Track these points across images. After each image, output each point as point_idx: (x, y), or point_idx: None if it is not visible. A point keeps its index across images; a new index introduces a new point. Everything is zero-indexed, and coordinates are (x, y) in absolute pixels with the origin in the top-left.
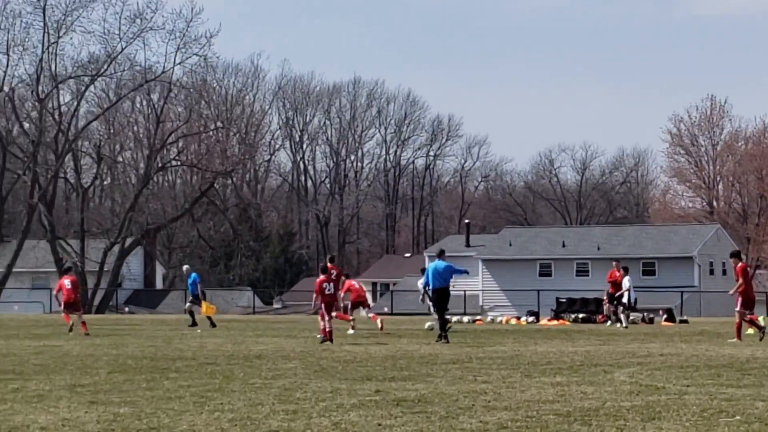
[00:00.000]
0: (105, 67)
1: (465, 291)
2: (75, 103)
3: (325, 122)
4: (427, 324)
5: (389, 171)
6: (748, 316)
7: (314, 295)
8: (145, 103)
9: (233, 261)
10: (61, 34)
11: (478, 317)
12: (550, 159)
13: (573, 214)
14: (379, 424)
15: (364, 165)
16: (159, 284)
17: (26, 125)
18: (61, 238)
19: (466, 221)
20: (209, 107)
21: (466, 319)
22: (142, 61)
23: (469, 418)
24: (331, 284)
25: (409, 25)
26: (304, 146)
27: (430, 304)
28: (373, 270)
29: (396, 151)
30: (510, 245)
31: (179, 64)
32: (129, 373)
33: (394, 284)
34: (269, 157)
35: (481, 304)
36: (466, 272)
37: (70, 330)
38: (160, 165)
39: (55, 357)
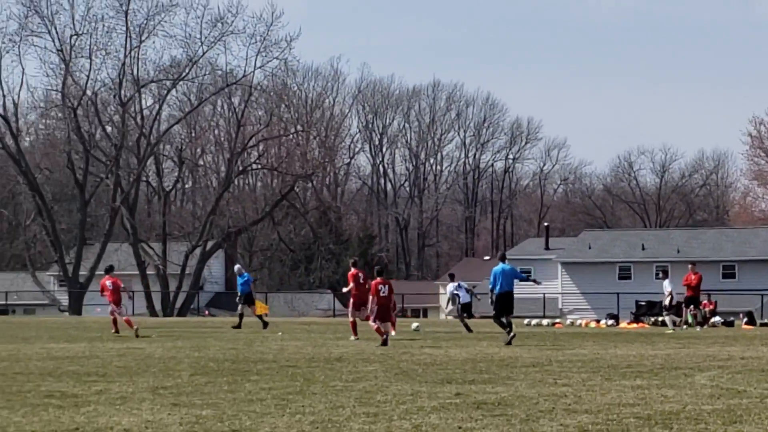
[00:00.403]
0: (186, 71)
1: (544, 294)
2: (157, 107)
3: (404, 125)
4: (414, 325)
5: (468, 174)
6: None
7: (371, 297)
8: (226, 106)
9: (313, 264)
10: (143, 39)
11: (558, 320)
12: (629, 161)
13: (652, 217)
14: (460, 427)
15: (444, 168)
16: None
17: (109, 129)
18: (143, 241)
19: (546, 224)
20: (289, 111)
21: (545, 322)
22: (223, 65)
23: (550, 421)
24: (386, 286)
25: (488, 28)
26: (384, 149)
27: (450, 309)
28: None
29: (475, 154)
30: (589, 248)
31: (260, 67)
32: (211, 376)
33: (474, 287)
34: (349, 160)
35: (560, 307)
36: (538, 282)
37: (137, 334)
38: (240, 168)
39: (138, 359)
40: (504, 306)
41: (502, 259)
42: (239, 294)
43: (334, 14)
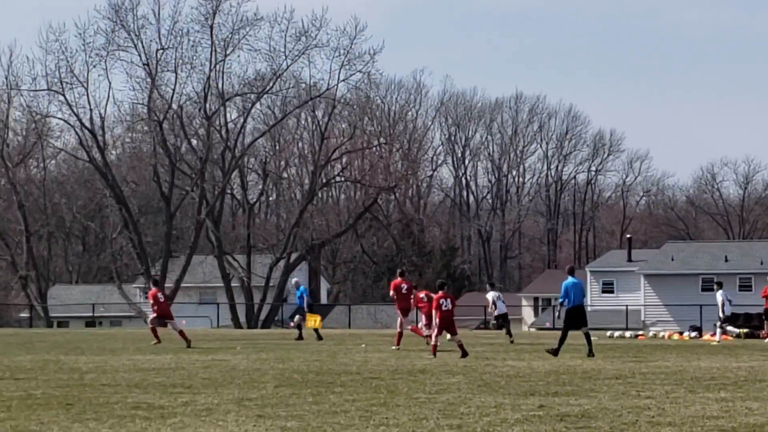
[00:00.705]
0: (271, 84)
1: (627, 306)
2: (241, 120)
3: (487, 137)
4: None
5: (551, 186)
6: None
7: (434, 312)
8: (309, 119)
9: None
10: (228, 52)
11: (641, 332)
12: (712, 173)
13: (735, 229)
14: None
15: (526, 180)
16: (324, 299)
17: (194, 142)
18: (227, 253)
19: (628, 236)
20: (372, 123)
21: (628, 334)
22: (306, 78)
23: None
24: (449, 300)
25: (571, 40)
26: (466, 162)
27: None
28: (534, 285)
29: (557, 166)
30: (672, 260)
31: (343, 80)
32: (295, 387)
33: (556, 299)
34: (431, 172)
35: (643, 319)
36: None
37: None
38: (324, 181)
39: (223, 371)
40: (576, 320)
41: (571, 272)
42: (299, 307)
43: (417, 27)
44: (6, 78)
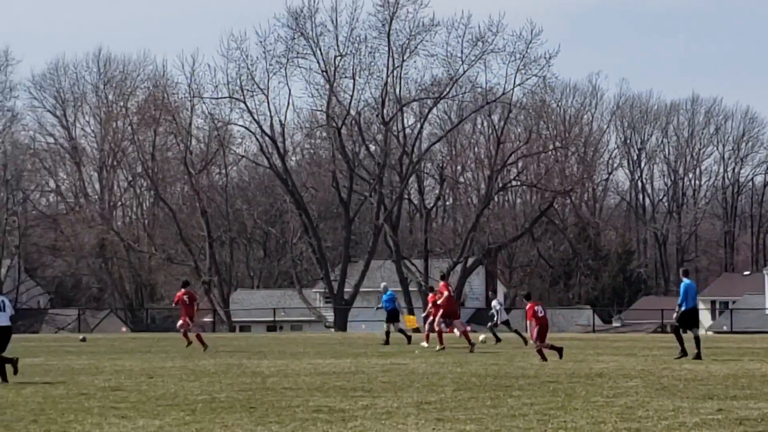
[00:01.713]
0: (447, 89)
1: None
2: (418, 126)
3: (662, 141)
4: (481, 337)
5: (727, 188)
6: None
7: (528, 321)
8: (485, 124)
9: (572, 280)
10: (405, 58)
11: None
12: None
13: None
14: None
15: (702, 183)
16: None
17: (372, 148)
18: (405, 258)
19: None
20: (548, 127)
21: None
22: (482, 82)
23: None
24: (540, 306)
25: (746, 41)
26: (642, 165)
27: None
28: (712, 288)
29: (734, 169)
30: None
31: (519, 85)
32: (473, 391)
33: (734, 302)
34: (607, 176)
35: None
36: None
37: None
38: (500, 185)
39: (402, 375)
40: (692, 321)
41: (686, 275)
42: (393, 311)
43: (593, 31)
44: (189, 86)
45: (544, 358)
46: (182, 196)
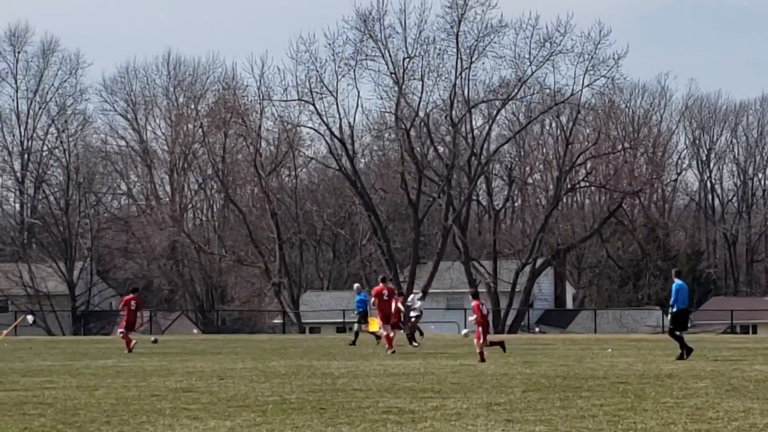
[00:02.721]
0: (515, 90)
1: None
2: (487, 127)
3: (732, 141)
4: (463, 331)
5: None
6: None
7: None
8: (554, 125)
9: (642, 281)
10: (473, 60)
11: None
12: None
13: None
14: None
15: None
16: (569, 304)
17: (440, 149)
18: (474, 259)
19: None
20: (617, 128)
21: None
22: (551, 83)
23: None
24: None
25: None
26: (711, 165)
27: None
28: None
29: None
30: None
31: (587, 86)
32: (543, 392)
33: None
34: (676, 176)
35: None
36: None
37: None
38: (569, 186)
39: (472, 376)
40: (682, 322)
41: (678, 275)
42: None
43: (661, 31)
44: (258, 89)
45: (483, 359)
46: (252, 199)
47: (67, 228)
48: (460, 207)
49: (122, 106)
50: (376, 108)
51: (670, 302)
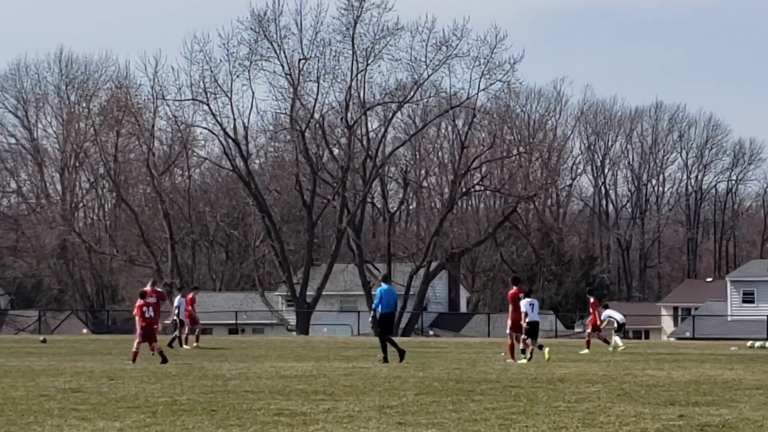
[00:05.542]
0: (411, 93)
1: None
2: (382, 130)
3: (626, 147)
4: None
5: (690, 195)
6: None
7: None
8: (450, 128)
9: (535, 285)
10: (369, 62)
11: None
12: None
13: None
14: None
15: (666, 189)
16: (463, 307)
17: (336, 151)
18: (368, 262)
19: None
20: (512, 132)
21: None
22: (447, 87)
23: None
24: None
25: (710, 49)
26: (606, 171)
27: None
28: (674, 294)
29: (697, 176)
30: None
31: (483, 90)
32: (435, 395)
33: (696, 309)
34: (571, 181)
35: None
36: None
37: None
38: (464, 190)
39: (364, 378)
40: (387, 326)
41: (385, 280)
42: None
43: (557, 37)
44: (152, 88)
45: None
46: (144, 198)
47: None
48: (355, 209)
49: (12, 103)
50: (271, 109)
51: (373, 305)
